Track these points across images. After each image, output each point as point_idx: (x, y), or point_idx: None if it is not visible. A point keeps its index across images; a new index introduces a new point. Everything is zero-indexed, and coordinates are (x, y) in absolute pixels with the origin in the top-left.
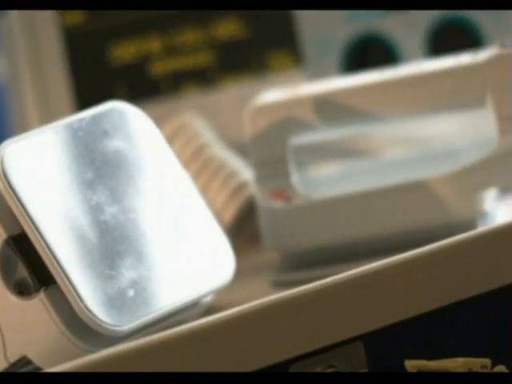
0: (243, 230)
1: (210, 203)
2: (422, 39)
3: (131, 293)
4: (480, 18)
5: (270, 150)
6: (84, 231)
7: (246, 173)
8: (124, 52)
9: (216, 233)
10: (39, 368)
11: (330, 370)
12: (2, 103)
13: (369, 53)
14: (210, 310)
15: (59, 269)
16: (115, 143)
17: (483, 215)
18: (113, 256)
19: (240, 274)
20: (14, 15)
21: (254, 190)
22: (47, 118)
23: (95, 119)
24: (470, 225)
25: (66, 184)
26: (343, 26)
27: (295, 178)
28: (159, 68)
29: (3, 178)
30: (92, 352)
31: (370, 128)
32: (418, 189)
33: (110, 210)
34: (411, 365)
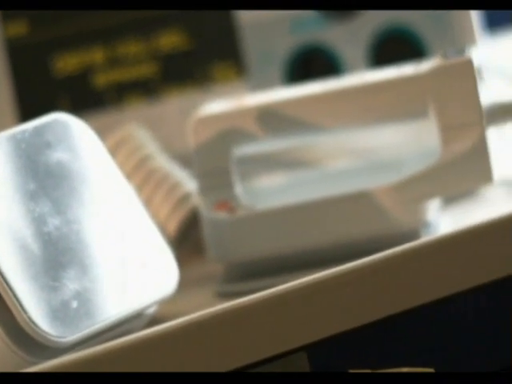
0: (187, 241)
1: (154, 214)
2: (365, 50)
3: (75, 304)
4: (422, 28)
5: (214, 160)
6: (27, 243)
7: (189, 184)
8: (67, 63)
9: (159, 244)
10: None
11: None
12: None
13: (312, 64)
14: (153, 320)
15: (2, 280)
16: (58, 155)
17: (426, 225)
18: (56, 267)
19: (184, 284)
20: None
21: (197, 201)
22: None
23: (38, 131)
24: (414, 235)
25: (8, 195)
26: (286, 36)
27: (239, 189)
28: (102, 79)
29: None
30: (36, 363)
31: (314, 139)
32: (361, 199)
33: (54, 222)
34: None
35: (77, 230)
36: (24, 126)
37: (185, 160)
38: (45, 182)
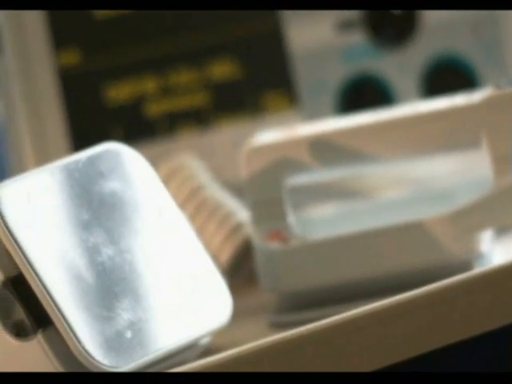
0: (240, 270)
1: (207, 244)
2: (417, 79)
3: (129, 334)
4: (475, 58)
5: (266, 190)
6: (81, 272)
7: (242, 214)
8: (119, 93)
9: (213, 274)
10: None
11: None
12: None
13: (364, 93)
14: (207, 351)
15: (56, 310)
16: (111, 184)
17: (479, 256)
18: (110, 297)
19: (237, 314)
20: (9, 55)
21: (250, 230)
22: (43, 158)
23: (91, 160)
24: (466, 266)
25: (62, 225)
26: (338, 66)
27: (291, 219)
28: (154, 109)
29: (0, 220)
30: None
31: (366, 169)
32: (413, 229)
33: (107, 251)
34: None
35: (130, 259)
36: (77, 156)
37: (237, 190)
38: (98, 211)
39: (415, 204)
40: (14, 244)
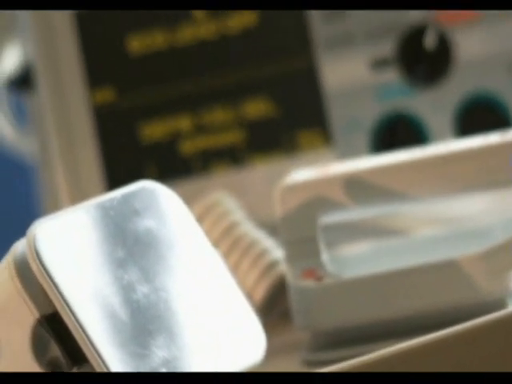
0: (274, 308)
1: (241, 281)
2: (451, 118)
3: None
4: (509, 97)
5: (300, 229)
6: (116, 310)
7: (276, 252)
8: (154, 130)
9: (247, 311)
10: None
11: None
12: (33, 182)
13: (398, 132)
14: None
15: (91, 348)
16: (146, 222)
17: None
18: (144, 335)
19: (271, 352)
20: (44, 92)
21: (284, 268)
22: (78, 196)
23: (126, 199)
24: (500, 304)
25: (97, 263)
26: (372, 104)
27: (325, 257)
28: (189, 146)
29: (36, 258)
30: None
31: (400, 207)
32: (447, 268)
33: (142, 289)
34: None
35: (165, 297)
36: (112, 194)
37: (271, 227)
38: (133, 249)
39: (449, 242)
40: (50, 282)
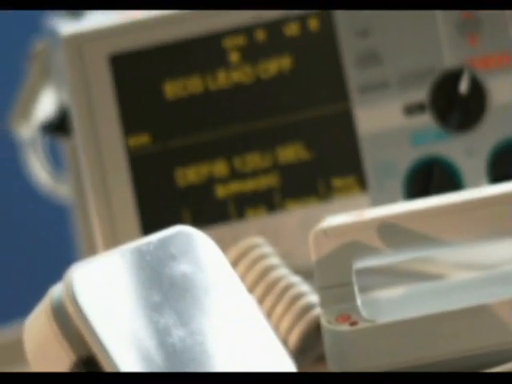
0: (308, 352)
1: (275, 325)
2: (485, 163)
3: None
4: None
5: (335, 273)
6: (151, 353)
7: (311, 296)
8: (189, 175)
9: (281, 355)
10: None
11: None
12: (69, 225)
13: (432, 177)
14: None
15: None
16: (182, 267)
17: None
18: None
19: None
20: (79, 137)
21: (319, 312)
22: (114, 240)
23: (162, 243)
24: None
25: (133, 307)
26: (406, 149)
27: (360, 302)
28: (224, 191)
29: (73, 301)
30: None
31: (433, 252)
32: (481, 312)
33: (178, 333)
34: None
35: (200, 341)
36: (148, 239)
37: (306, 272)
38: (169, 293)
39: (483, 287)
40: (87, 325)
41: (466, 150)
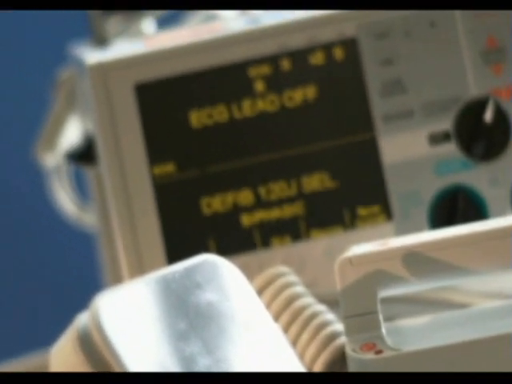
0: None
1: (301, 354)
2: (510, 192)
3: None
4: None
5: (360, 302)
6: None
7: (336, 324)
8: (215, 203)
9: None
10: None
11: None
12: (93, 254)
13: (457, 206)
14: None
15: None
16: (207, 295)
17: None
18: None
19: None
20: (105, 165)
21: (344, 341)
22: (139, 269)
23: (188, 272)
24: None
25: (159, 335)
26: (431, 178)
27: (385, 330)
28: (249, 219)
29: (99, 330)
30: None
31: (458, 280)
32: (507, 341)
33: (203, 361)
34: None
35: (226, 369)
36: (174, 267)
37: (330, 301)
38: (195, 321)
39: (508, 315)
40: (113, 353)
41: (491, 179)
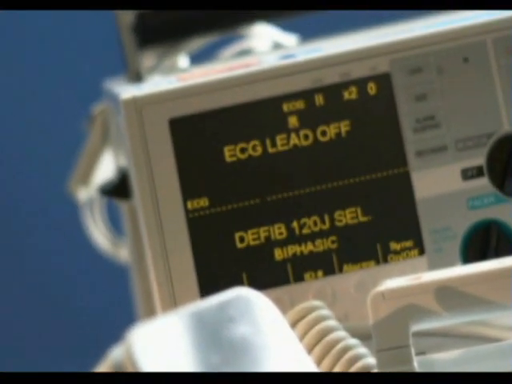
0: None
1: None
2: None
3: None
4: None
5: (392, 336)
6: None
7: (368, 358)
8: (248, 237)
9: None
10: None
11: None
12: (128, 288)
13: (490, 241)
14: None
15: None
16: (241, 329)
17: None
18: None
19: None
20: (138, 200)
21: None
22: (172, 303)
23: (221, 306)
24: None
25: (193, 369)
26: (464, 213)
27: (417, 364)
28: (282, 253)
29: (134, 364)
30: None
31: (490, 315)
32: None
33: None
34: None
35: None
36: (207, 301)
37: (362, 335)
38: (228, 355)
39: None
40: None
41: None
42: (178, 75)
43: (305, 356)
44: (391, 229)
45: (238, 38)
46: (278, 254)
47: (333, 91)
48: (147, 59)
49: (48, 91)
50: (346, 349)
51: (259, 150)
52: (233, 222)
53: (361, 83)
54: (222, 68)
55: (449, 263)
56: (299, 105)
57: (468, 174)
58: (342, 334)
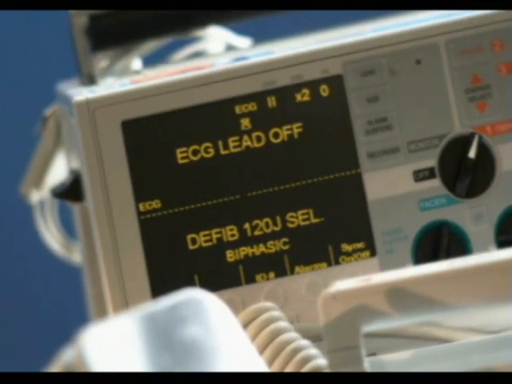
0: None
1: None
2: (494, 228)
3: None
4: None
5: (343, 337)
6: None
7: (319, 359)
8: (200, 239)
9: None
10: None
11: None
12: (79, 288)
13: (440, 242)
14: None
15: None
16: (192, 330)
17: None
18: None
19: None
20: (90, 202)
21: None
22: (123, 304)
23: (173, 307)
24: None
25: (143, 370)
26: (415, 215)
27: (367, 365)
28: (233, 255)
29: (84, 365)
30: None
31: (441, 316)
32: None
33: None
34: None
35: None
36: (159, 303)
37: (314, 336)
38: (179, 356)
39: (490, 350)
40: None
41: (475, 216)
42: (131, 78)
43: (256, 357)
44: (343, 230)
45: (191, 40)
46: (230, 255)
47: (285, 93)
48: (100, 62)
49: (0, 93)
50: (298, 350)
51: (211, 151)
52: (185, 223)
53: (313, 85)
54: (175, 70)
55: (400, 264)
56: (252, 107)
57: (420, 176)
58: (293, 335)
